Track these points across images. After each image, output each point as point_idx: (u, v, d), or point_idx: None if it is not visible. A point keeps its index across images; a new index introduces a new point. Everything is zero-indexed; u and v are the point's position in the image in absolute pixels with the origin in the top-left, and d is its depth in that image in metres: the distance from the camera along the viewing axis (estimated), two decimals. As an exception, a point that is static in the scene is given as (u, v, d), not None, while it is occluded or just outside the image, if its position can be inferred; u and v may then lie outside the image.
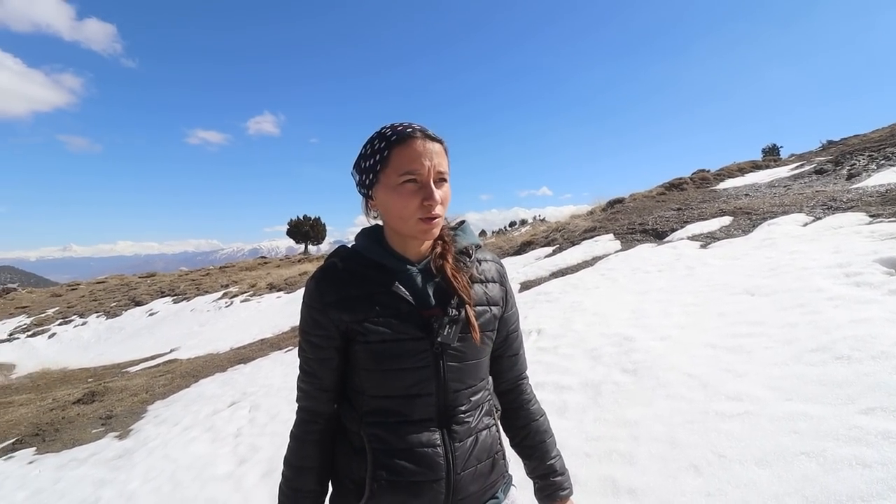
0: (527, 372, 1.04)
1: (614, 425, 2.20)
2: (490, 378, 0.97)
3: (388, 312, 0.82)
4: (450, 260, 0.88)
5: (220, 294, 14.62)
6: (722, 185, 9.56)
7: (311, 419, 0.89)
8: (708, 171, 11.34)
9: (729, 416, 1.96)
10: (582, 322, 3.67)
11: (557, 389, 2.71)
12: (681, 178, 10.70)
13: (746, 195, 7.59)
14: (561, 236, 8.33)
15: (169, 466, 3.33)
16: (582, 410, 2.42)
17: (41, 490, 3.38)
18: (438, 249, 0.89)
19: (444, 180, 0.83)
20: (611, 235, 7.12)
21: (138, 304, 15.41)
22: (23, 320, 15.72)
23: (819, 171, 8.08)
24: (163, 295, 16.02)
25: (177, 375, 6.56)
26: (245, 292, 14.09)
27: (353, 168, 0.88)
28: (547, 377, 2.88)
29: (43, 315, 15.87)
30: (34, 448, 4.39)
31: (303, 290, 0.86)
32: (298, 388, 0.91)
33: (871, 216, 4.67)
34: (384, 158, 0.80)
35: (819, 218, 5.13)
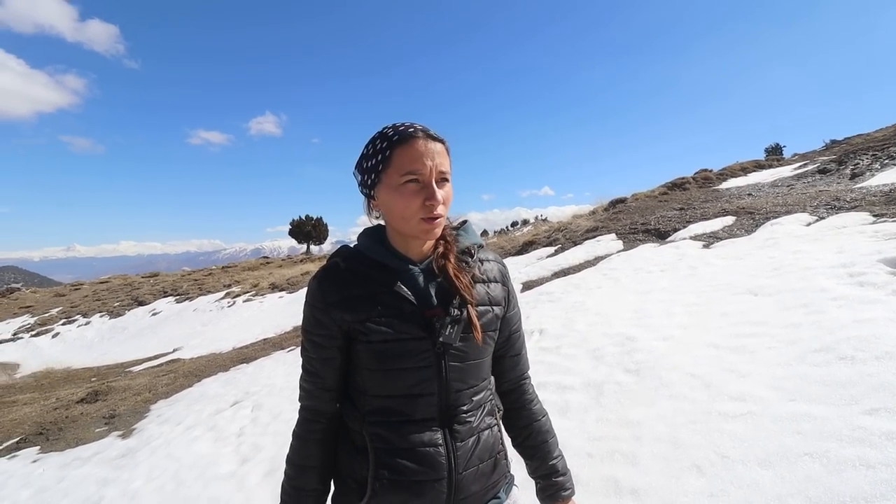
0: (529, 372, 1.04)
1: (617, 425, 2.20)
2: (492, 378, 0.97)
3: (390, 312, 0.82)
4: (452, 260, 0.88)
5: (222, 294, 14.66)
6: (725, 185, 9.52)
7: (313, 418, 0.90)
8: (710, 171, 11.29)
9: (732, 416, 1.96)
10: (584, 322, 3.66)
11: (559, 389, 2.70)
12: (683, 178, 10.66)
13: (749, 195, 7.56)
14: (563, 236, 8.32)
15: (172, 466, 3.35)
16: (584, 410, 2.42)
17: (45, 489, 3.40)
18: (440, 249, 0.89)
19: (446, 180, 0.83)
20: (613, 235, 7.10)
21: (141, 303, 15.46)
22: (27, 320, 15.78)
23: (822, 171, 8.04)
24: (166, 295, 16.08)
25: (179, 375, 6.59)
26: (247, 292, 14.12)
27: (355, 168, 0.88)
28: (549, 377, 2.88)
29: (46, 315, 15.92)
30: (38, 447, 4.41)
31: (305, 289, 0.86)
32: (301, 387, 0.91)
33: (874, 216, 4.64)
34: (386, 158, 0.80)
35: (822, 218, 5.10)
